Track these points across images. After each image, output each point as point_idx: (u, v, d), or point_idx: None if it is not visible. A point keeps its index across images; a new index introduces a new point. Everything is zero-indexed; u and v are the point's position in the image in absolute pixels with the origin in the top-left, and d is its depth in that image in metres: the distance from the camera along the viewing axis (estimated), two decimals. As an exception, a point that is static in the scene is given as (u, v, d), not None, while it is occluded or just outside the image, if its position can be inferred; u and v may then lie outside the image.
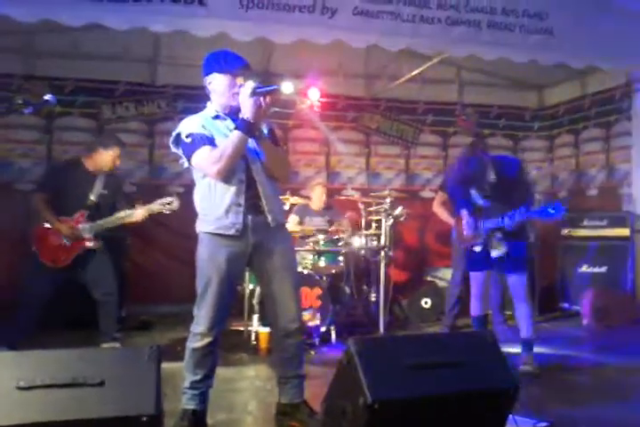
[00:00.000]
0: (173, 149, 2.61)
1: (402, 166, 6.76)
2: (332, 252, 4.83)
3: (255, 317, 4.30)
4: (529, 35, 4.23)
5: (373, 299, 5.12)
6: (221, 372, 2.81)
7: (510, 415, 2.18)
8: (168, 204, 3.81)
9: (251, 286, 4.50)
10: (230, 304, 2.64)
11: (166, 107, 6.02)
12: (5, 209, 5.15)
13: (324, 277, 4.61)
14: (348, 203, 5.74)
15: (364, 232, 5.05)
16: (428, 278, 5.99)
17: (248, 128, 2.41)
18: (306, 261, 4.73)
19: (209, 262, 2.52)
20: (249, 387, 3.39)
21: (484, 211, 3.75)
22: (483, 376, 2.10)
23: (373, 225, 5.27)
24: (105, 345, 3.82)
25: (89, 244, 3.87)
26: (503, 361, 2.17)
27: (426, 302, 5.50)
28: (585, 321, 5.18)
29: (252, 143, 2.52)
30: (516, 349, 3.82)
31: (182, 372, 2.57)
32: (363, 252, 5.03)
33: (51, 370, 1.80)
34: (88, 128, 5.82)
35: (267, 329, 4.04)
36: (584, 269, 5.74)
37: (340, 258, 4.89)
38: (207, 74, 2.57)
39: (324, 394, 2.26)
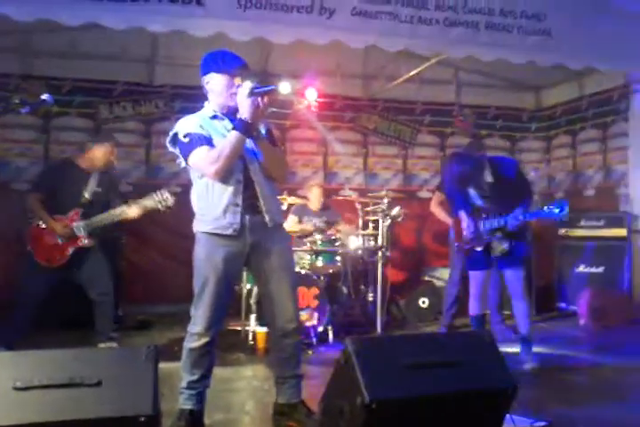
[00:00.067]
0: (170, 149, 2.60)
1: (399, 167, 6.76)
2: (330, 252, 4.83)
3: (253, 317, 4.29)
4: (527, 36, 4.24)
5: (371, 299, 5.13)
6: (219, 372, 2.81)
7: (508, 415, 2.19)
8: (163, 200, 3.77)
9: (248, 286, 4.50)
10: (228, 304, 2.63)
11: (164, 107, 6.02)
12: (2, 209, 5.14)
13: (322, 277, 4.61)
14: (345, 203, 5.75)
15: (362, 232, 5.06)
16: (426, 278, 5.99)
17: (246, 128, 2.41)
18: (303, 261, 4.73)
19: (206, 262, 2.52)
20: (246, 387, 3.39)
21: (482, 211, 3.76)
22: (480, 376, 2.10)
23: (371, 225, 5.27)
24: (102, 345, 3.81)
25: (83, 242, 3.86)
26: (501, 361, 2.17)
27: (423, 302, 5.50)
28: (582, 321, 5.19)
29: (249, 143, 2.52)
30: (514, 348, 3.83)
31: (179, 372, 2.57)
32: (360, 252, 5.03)
33: (48, 370, 1.80)
34: (85, 128, 5.80)
35: (264, 329, 4.04)
36: (581, 269, 5.75)
37: (338, 258, 4.89)
38: (205, 73, 2.57)
39: (322, 394, 2.26)
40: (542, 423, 2.56)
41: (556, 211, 3.41)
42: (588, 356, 4.12)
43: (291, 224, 5.05)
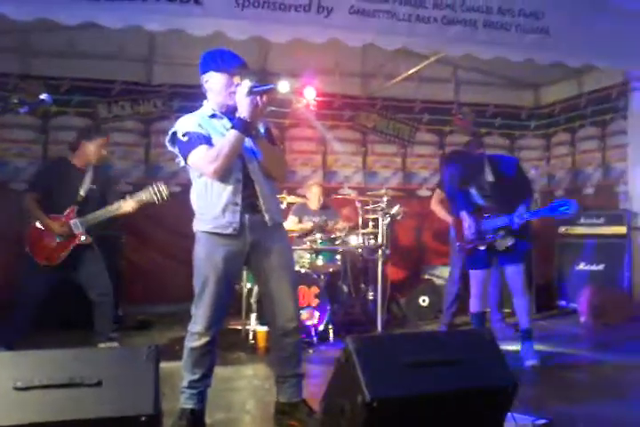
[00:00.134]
0: (169, 148, 2.60)
1: (398, 165, 6.76)
2: (330, 250, 4.83)
3: (253, 316, 4.29)
4: (525, 34, 4.24)
5: (371, 297, 5.13)
6: (219, 371, 2.81)
7: (509, 413, 2.18)
8: (158, 192, 3.74)
9: (248, 285, 4.50)
10: (228, 303, 2.63)
11: (162, 106, 6.01)
12: (1, 209, 5.13)
13: (322, 276, 4.61)
14: (345, 202, 5.74)
15: (362, 231, 5.06)
16: (426, 277, 6.00)
17: (245, 127, 2.41)
18: (303, 259, 4.73)
19: (206, 262, 2.52)
20: (247, 386, 3.39)
21: (484, 210, 3.76)
22: (481, 374, 2.10)
23: (370, 224, 5.27)
24: (102, 345, 3.81)
25: (82, 239, 3.86)
26: (501, 359, 2.17)
27: (423, 300, 5.50)
28: (582, 319, 5.19)
29: (248, 142, 2.51)
30: (514, 346, 3.83)
31: (180, 371, 2.57)
32: (360, 250, 5.03)
33: (48, 370, 1.79)
34: (84, 128, 5.80)
35: (265, 328, 4.04)
36: (581, 266, 5.76)
37: (338, 257, 4.89)
38: (204, 72, 2.56)
39: (323, 393, 2.26)
40: (543, 421, 2.56)
41: (564, 209, 3.40)
42: (589, 354, 4.13)
43: (291, 225, 5.05)
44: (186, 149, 2.48)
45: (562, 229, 5.98)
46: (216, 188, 2.50)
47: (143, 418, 1.75)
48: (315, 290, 4.42)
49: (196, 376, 2.53)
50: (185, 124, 2.52)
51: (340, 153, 6.55)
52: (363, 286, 5.28)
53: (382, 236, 4.88)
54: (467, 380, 2.07)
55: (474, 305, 3.88)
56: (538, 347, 3.89)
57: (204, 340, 2.51)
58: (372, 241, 4.97)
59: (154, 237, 5.73)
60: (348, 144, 6.59)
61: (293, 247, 4.49)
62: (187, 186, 2.71)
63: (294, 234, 4.93)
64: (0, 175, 5.56)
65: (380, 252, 4.86)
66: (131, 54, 5.85)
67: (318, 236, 4.77)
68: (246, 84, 2.41)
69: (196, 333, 2.52)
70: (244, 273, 4.29)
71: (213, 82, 2.54)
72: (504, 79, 6.88)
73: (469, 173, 3.65)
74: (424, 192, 6.62)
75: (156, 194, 3.73)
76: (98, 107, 5.84)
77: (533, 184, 4.62)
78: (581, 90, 6.52)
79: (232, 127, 2.44)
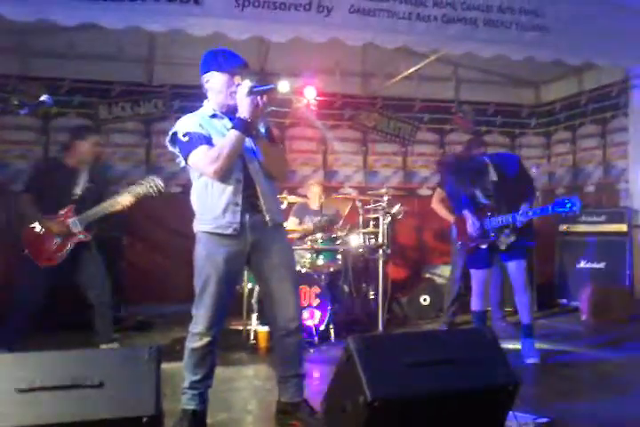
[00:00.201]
0: (170, 148, 2.60)
1: (399, 164, 6.76)
2: (331, 250, 4.83)
3: (254, 316, 4.29)
4: (525, 32, 4.24)
5: (372, 297, 5.13)
6: (220, 371, 2.80)
7: (510, 411, 2.18)
8: (153, 185, 3.74)
9: (249, 285, 4.50)
10: (229, 304, 2.62)
11: (163, 106, 6.01)
12: (1, 210, 5.13)
13: (323, 276, 4.60)
14: (345, 201, 5.74)
15: (362, 230, 5.05)
16: (427, 276, 5.99)
17: (245, 127, 2.41)
18: (304, 259, 4.73)
19: (207, 262, 2.51)
20: (248, 386, 3.39)
21: (487, 209, 3.76)
22: (482, 373, 2.10)
23: (371, 223, 5.26)
24: (103, 346, 3.81)
25: (81, 237, 3.86)
26: (503, 358, 2.17)
27: (424, 300, 5.50)
28: (583, 317, 5.19)
29: (249, 142, 2.51)
30: (515, 345, 3.83)
31: (181, 372, 2.56)
32: (361, 250, 5.03)
33: (50, 372, 1.80)
34: (84, 129, 5.80)
35: (266, 328, 4.04)
36: (582, 264, 5.75)
37: (339, 256, 4.89)
38: (205, 72, 2.56)
39: (324, 392, 2.26)
40: (544, 420, 2.55)
41: (569, 206, 3.40)
42: (590, 352, 4.12)
43: (292, 226, 5.05)
44: (186, 149, 2.48)
45: (563, 228, 5.97)
46: (216, 188, 2.50)
47: (145, 419, 1.76)
48: (316, 290, 4.41)
49: (198, 377, 2.52)
50: (185, 125, 2.51)
51: (341, 152, 6.55)
52: (364, 285, 5.27)
53: (383, 235, 4.88)
54: (468, 379, 2.07)
55: (475, 304, 3.88)
56: (539, 345, 3.90)
57: (206, 340, 2.50)
58: (373, 240, 4.97)
59: (154, 237, 5.72)
60: (348, 143, 6.59)
61: (294, 247, 4.49)
62: (187, 186, 2.70)
63: (295, 235, 4.92)
64: (1, 177, 5.55)
65: (380, 251, 4.86)
66: (131, 55, 5.85)
67: (319, 235, 4.77)
68: (247, 84, 2.41)
69: (197, 333, 2.51)
70: (245, 273, 4.29)
71: (214, 82, 2.54)
72: (504, 77, 6.87)
73: (472, 180, 3.67)
74: (425, 191, 6.62)
75: (151, 187, 3.75)
76: (98, 108, 5.84)
77: (536, 181, 4.61)
78: (582, 88, 6.52)
79: (232, 127, 2.44)
